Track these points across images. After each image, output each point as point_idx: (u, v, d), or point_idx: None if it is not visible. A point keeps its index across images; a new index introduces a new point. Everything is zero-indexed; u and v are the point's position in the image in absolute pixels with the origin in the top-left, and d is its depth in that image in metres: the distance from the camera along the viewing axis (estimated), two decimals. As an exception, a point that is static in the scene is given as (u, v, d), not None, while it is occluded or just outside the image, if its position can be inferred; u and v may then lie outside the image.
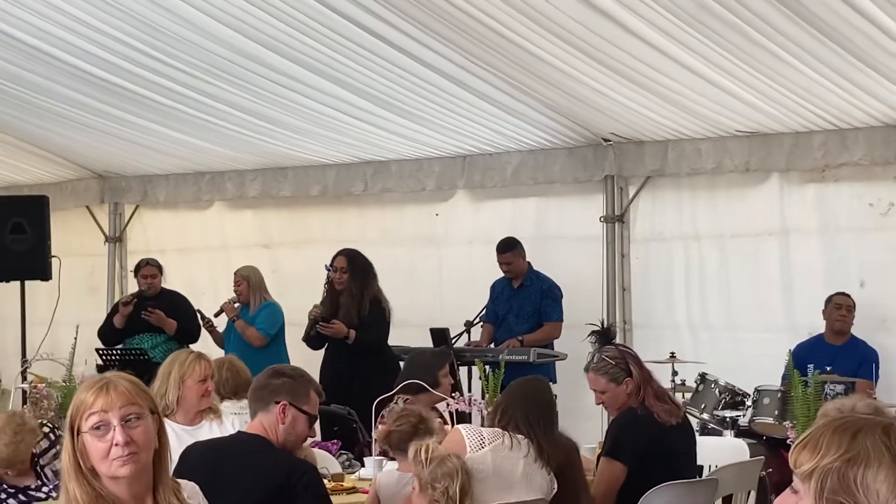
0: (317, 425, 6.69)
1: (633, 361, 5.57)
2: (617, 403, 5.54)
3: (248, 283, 9.49)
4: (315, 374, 8.83)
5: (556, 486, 4.93)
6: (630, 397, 5.48)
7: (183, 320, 9.68)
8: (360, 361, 8.55)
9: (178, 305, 9.78)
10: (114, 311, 9.98)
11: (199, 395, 5.65)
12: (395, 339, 9.07)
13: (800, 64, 7.04)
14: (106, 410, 2.95)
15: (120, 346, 9.64)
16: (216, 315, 9.59)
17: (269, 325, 9.38)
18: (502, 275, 9.24)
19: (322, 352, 8.92)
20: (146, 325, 9.66)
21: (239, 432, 4.72)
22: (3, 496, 5.19)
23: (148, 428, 3.00)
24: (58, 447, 5.23)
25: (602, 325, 6.68)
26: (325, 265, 8.90)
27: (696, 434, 7.72)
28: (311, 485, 4.37)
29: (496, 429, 4.88)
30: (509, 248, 9.10)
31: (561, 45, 7.18)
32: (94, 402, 2.96)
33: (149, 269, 9.86)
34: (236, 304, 9.47)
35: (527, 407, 4.92)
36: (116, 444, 2.93)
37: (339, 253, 8.87)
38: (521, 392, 5.06)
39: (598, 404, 5.71)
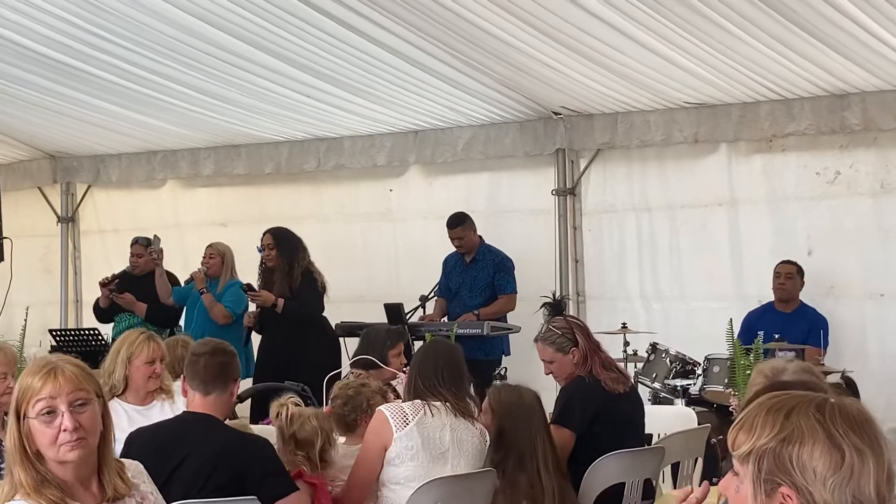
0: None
1: (581, 332, 5.64)
2: (564, 373, 5.62)
3: (223, 258, 9.35)
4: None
5: (487, 437, 5.01)
6: (577, 367, 5.57)
7: (158, 303, 9.53)
8: (298, 339, 8.58)
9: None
10: None
11: (146, 377, 5.61)
12: (352, 314, 9.11)
13: (745, 35, 7.10)
14: (54, 396, 2.97)
15: (74, 328, 9.60)
16: (186, 283, 9.52)
17: (236, 303, 9.26)
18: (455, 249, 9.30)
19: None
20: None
21: (186, 412, 4.68)
22: None
23: (95, 412, 3.01)
24: None
25: (554, 297, 6.73)
26: (257, 246, 8.96)
27: (648, 403, 7.86)
28: (268, 459, 4.42)
29: (416, 401, 4.95)
30: (459, 223, 9.15)
31: (509, 20, 7.20)
32: (42, 388, 2.97)
33: (136, 247, 9.76)
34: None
35: (424, 372, 5.00)
36: (65, 430, 2.95)
37: (266, 231, 8.95)
38: (418, 360, 5.14)
39: (548, 374, 5.79)
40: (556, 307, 6.48)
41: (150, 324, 9.33)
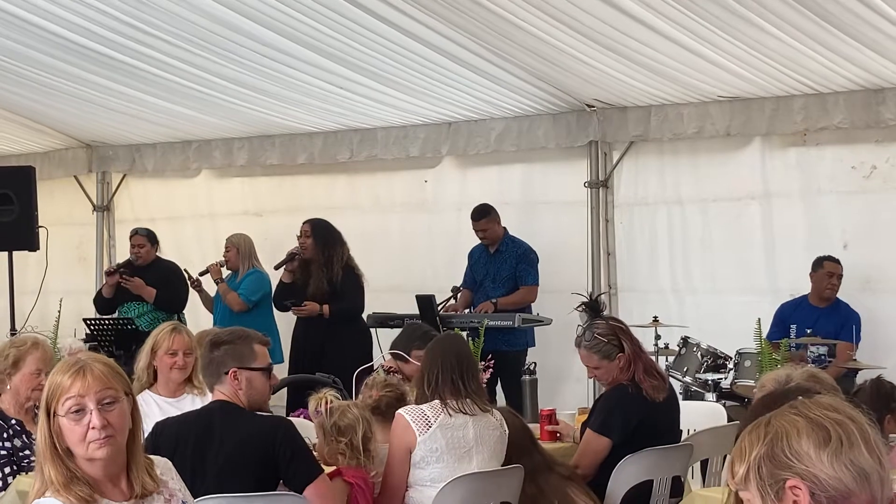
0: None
1: (625, 336, 5.61)
2: (610, 378, 5.61)
3: (238, 250, 9.58)
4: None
5: (505, 426, 5.03)
6: (622, 372, 5.55)
7: (164, 290, 9.71)
8: (333, 330, 8.69)
9: (164, 275, 9.79)
10: None
11: (168, 367, 5.61)
12: (387, 305, 9.18)
13: (778, 32, 7.07)
14: (83, 395, 3.02)
15: (109, 316, 9.72)
16: (201, 274, 9.67)
17: (250, 291, 9.43)
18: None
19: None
20: (134, 294, 9.73)
21: (212, 401, 4.67)
22: (11, 432, 5.16)
23: (123, 410, 3.06)
24: None
25: (590, 296, 6.69)
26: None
27: (679, 397, 7.85)
28: (290, 439, 4.43)
29: (435, 402, 4.92)
30: (483, 215, 9.17)
31: (542, 17, 7.21)
32: (71, 387, 3.02)
33: (137, 238, 9.92)
34: (223, 268, 9.55)
35: (448, 368, 4.95)
36: (93, 428, 3.00)
37: (305, 221, 9.10)
38: (438, 355, 5.06)
39: (591, 378, 5.80)
40: (592, 308, 6.46)
41: (160, 309, 9.61)
